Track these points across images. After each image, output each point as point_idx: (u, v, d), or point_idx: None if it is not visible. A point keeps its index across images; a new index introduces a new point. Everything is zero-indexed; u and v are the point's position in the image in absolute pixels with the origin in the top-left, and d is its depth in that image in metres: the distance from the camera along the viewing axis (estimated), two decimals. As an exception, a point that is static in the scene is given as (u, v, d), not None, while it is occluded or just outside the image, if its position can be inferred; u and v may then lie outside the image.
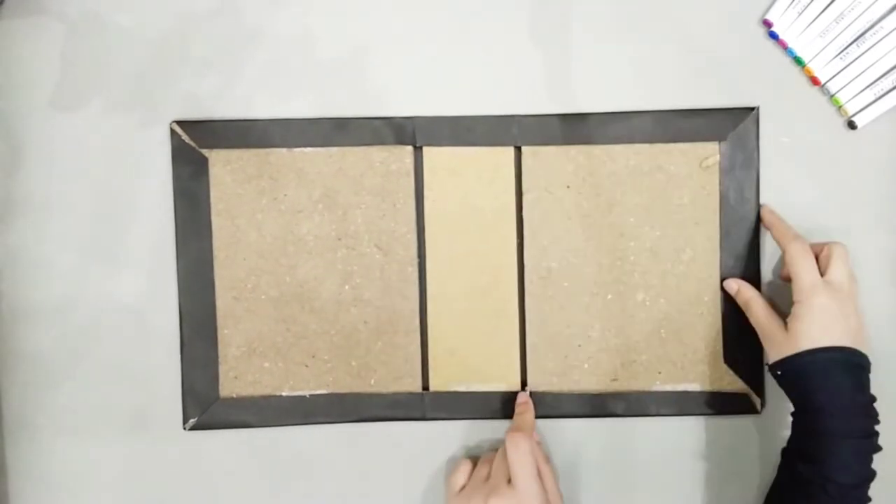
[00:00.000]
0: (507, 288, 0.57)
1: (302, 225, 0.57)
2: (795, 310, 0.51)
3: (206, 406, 0.58)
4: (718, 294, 0.57)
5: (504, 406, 0.57)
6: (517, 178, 0.57)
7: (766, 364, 0.53)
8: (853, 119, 0.56)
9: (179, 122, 0.57)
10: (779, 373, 0.52)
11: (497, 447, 0.58)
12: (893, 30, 0.55)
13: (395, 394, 0.58)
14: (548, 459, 0.56)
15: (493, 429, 0.58)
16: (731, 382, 0.57)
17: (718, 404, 0.57)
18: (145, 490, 0.58)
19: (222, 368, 0.58)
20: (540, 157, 0.57)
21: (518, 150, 0.57)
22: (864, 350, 0.51)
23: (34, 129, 0.58)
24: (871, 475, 0.49)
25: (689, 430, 0.58)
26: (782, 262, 0.56)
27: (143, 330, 0.58)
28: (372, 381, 0.58)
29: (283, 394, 0.58)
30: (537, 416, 0.57)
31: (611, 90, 0.57)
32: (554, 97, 0.57)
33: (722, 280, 0.57)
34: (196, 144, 0.57)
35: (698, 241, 0.57)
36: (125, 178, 0.58)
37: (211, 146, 0.57)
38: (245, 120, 0.57)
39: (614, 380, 0.57)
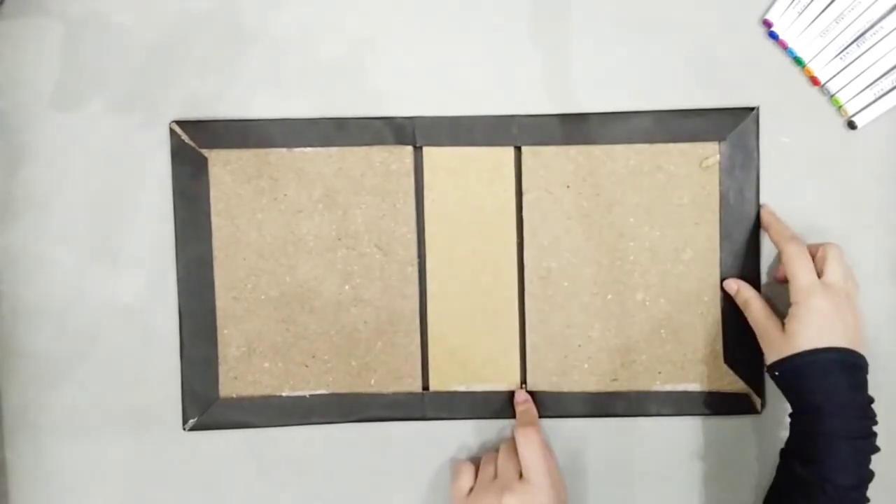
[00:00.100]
0: (507, 288, 0.57)
1: (302, 225, 0.57)
2: (793, 311, 0.51)
3: (205, 406, 0.58)
4: (718, 294, 0.57)
5: (504, 406, 0.57)
6: (517, 178, 0.57)
7: (765, 365, 0.53)
8: (853, 119, 0.56)
9: (179, 122, 0.57)
10: (776, 373, 0.52)
11: (498, 447, 0.58)
12: (893, 30, 0.55)
13: (395, 394, 0.58)
14: (553, 454, 0.56)
15: (492, 429, 0.58)
16: (732, 382, 0.57)
17: (718, 404, 0.57)
18: (145, 490, 0.58)
19: (222, 369, 0.58)
20: (540, 157, 0.57)
21: (518, 150, 0.57)
22: (861, 350, 0.51)
23: (34, 129, 0.58)
24: (870, 476, 0.49)
25: (689, 431, 0.58)
26: (778, 262, 0.56)
27: (143, 330, 0.58)
28: (372, 381, 0.58)
29: (283, 394, 0.58)
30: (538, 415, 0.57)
31: (611, 90, 0.57)
32: (554, 97, 0.57)
33: (722, 280, 0.57)
34: (196, 144, 0.57)
35: (698, 241, 0.57)
36: (125, 178, 0.58)
37: (211, 146, 0.57)
38: (245, 120, 0.57)
39: (614, 380, 0.57)
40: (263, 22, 0.57)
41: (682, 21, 0.57)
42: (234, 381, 0.58)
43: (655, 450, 0.58)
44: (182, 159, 0.57)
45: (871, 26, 0.55)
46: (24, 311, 0.58)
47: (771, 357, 0.52)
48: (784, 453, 0.52)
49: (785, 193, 0.57)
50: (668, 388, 0.57)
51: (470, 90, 0.57)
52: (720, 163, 0.56)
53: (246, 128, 0.57)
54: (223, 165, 0.57)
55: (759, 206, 0.56)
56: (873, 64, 0.55)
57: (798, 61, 0.56)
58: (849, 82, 0.56)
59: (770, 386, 0.56)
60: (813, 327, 0.50)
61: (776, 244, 0.55)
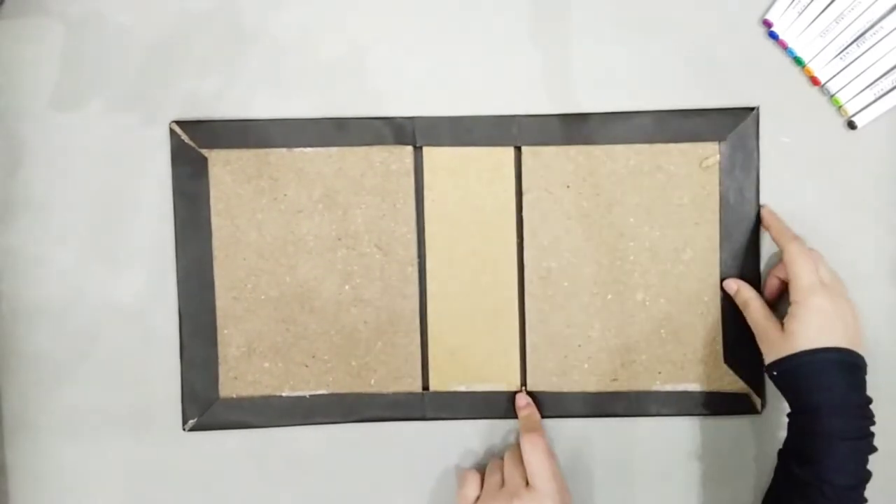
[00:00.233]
0: (507, 288, 0.57)
1: (302, 225, 0.57)
2: (793, 310, 0.51)
3: (205, 406, 0.58)
4: (718, 294, 0.57)
5: (504, 406, 0.57)
6: (517, 178, 0.57)
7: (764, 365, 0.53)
8: (853, 119, 0.56)
9: (179, 122, 0.57)
10: (775, 373, 0.51)
11: (499, 448, 0.58)
12: (893, 30, 0.55)
13: (395, 394, 0.58)
14: (556, 458, 0.56)
15: (493, 429, 0.58)
16: (732, 383, 0.57)
17: (718, 404, 0.57)
18: (145, 490, 0.58)
19: (222, 369, 0.58)
20: (540, 157, 0.57)
21: (518, 150, 0.57)
22: (861, 351, 0.51)
23: (34, 129, 0.58)
24: (868, 476, 0.49)
25: (689, 431, 0.58)
26: (779, 261, 0.56)
27: (143, 330, 0.58)
28: (372, 381, 0.58)
29: (283, 394, 0.58)
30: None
31: (611, 90, 0.57)
32: (554, 97, 0.57)
33: (722, 280, 0.57)
34: (196, 144, 0.57)
35: (698, 241, 0.57)
36: (125, 178, 0.58)
37: (211, 146, 0.57)
38: (245, 120, 0.57)
39: (614, 380, 0.57)
40: (263, 22, 0.57)
41: (682, 21, 0.57)
42: (234, 382, 0.58)
43: (655, 450, 0.58)
44: (182, 159, 0.57)
45: (871, 26, 0.55)
46: (24, 311, 0.58)
47: (770, 357, 0.52)
48: (782, 454, 0.52)
49: (785, 193, 0.57)
50: (668, 388, 0.57)
51: (470, 90, 0.57)
52: (720, 163, 0.56)
53: (246, 128, 0.57)
54: (223, 165, 0.57)
55: (759, 206, 0.56)
56: (873, 64, 0.55)
57: (798, 61, 0.56)
58: (849, 82, 0.56)
59: (770, 386, 0.56)
60: (813, 327, 0.50)
61: (778, 243, 0.55)
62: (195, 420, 0.58)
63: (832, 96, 0.56)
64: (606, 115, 0.56)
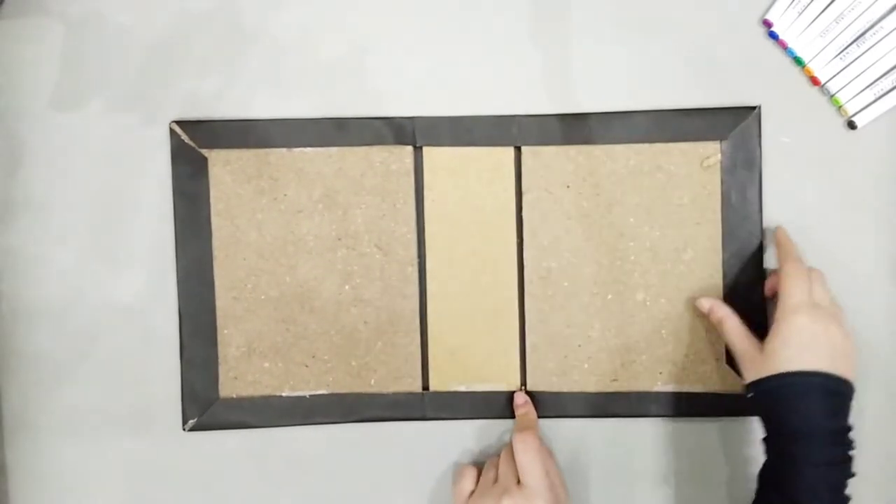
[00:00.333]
0: (507, 288, 0.57)
1: (302, 225, 0.57)
2: (774, 328, 0.50)
3: (205, 406, 0.58)
4: (720, 294, 0.57)
5: (504, 406, 0.57)
6: (517, 178, 0.57)
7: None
8: (853, 119, 0.56)
9: (179, 122, 0.57)
10: (751, 394, 0.50)
11: (499, 448, 0.58)
12: (893, 30, 0.55)
13: (395, 394, 0.58)
14: (552, 455, 0.56)
15: (493, 429, 0.58)
16: (733, 384, 0.57)
17: (719, 406, 0.57)
18: (145, 490, 0.58)
19: (222, 369, 0.58)
20: (540, 157, 0.57)
21: (518, 150, 0.57)
22: (850, 376, 0.49)
23: (34, 129, 0.58)
24: (845, 501, 0.48)
25: (690, 432, 0.58)
26: (772, 277, 0.55)
27: (143, 330, 0.58)
28: (372, 381, 0.58)
29: (283, 394, 0.58)
30: (537, 417, 0.57)
31: (611, 90, 0.57)
32: (554, 97, 0.57)
33: (724, 280, 0.56)
34: (196, 144, 0.57)
35: (698, 241, 0.57)
36: (125, 178, 0.58)
37: (211, 146, 0.57)
38: (245, 120, 0.57)
39: (614, 380, 0.57)
40: (263, 22, 0.57)
41: (682, 21, 0.57)
42: (234, 382, 0.58)
43: (655, 450, 0.58)
44: (182, 159, 0.57)
45: (871, 26, 0.55)
46: (24, 311, 0.58)
47: (748, 377, 0.51)
48: (760, 477, 0.51)
49: (785, 193, 0.57)
50: (669, 388, 0.57)
51: (470, 90, 0.57)
52: (721, 162, 0.56)
53: (246, 128, 0.57)
54: (223, 165, 0.57)
55: (761, 206, 0.56)
56: (873, 64, 0.55)
57: (798, 61, 0.56)
58: (849, 82, 0.56)
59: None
60: (792, 347, 0.49)
61: (778, 261, 0.54)
62: (195, 420, 0.58)
63: (832, 96, 0.56)
64: (606, 115, 0.56)
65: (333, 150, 0.57)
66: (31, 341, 0.58)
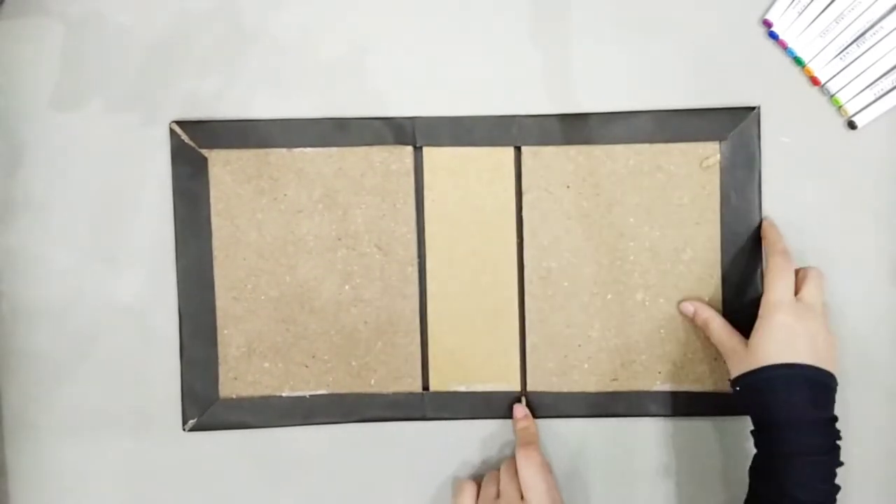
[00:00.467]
0: (507, 288, 0.57)
1: (302, 225, 0.57)
2: (757, 324, 0.51)
3: (205, 407, 0.58)
4: (719, 294, 0.57)
5: (504, 406, 0.57)
6: (517, 178, 0.57)
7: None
8: (853, 119, 0.56)
9: (179, 122, 0.57)
10: (738, 388, 0.51)
11: (499, 448, 0.58)
12: (893, 30, 0.55)
13: (395, 394, 0.58)
14: (552, 470, 0.56)
15: (492, 429, 0.58)
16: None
17: (719, 405, 0.57)
18: (145, 491, 0.58)
19: (222, 369, 0.58)
20: (540, 157, 0.57)
21: (518, 150, 0.57)
22: (832, 369, 0.50)
23: (34, 129, 0.58)
24: (835, 490, 0.48)
25: (690, 431, 0.58)
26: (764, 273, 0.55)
27: (143, 330, 0.58)
28: (372, 381, 0.58)
29: (283, 394, 0.58)
30: (537, 417, 0.57)
31: (611, 90, 0.57)
32: (554, 97, 0.57)
33: (723, 280, 0.56)
34: (196, 144, 0.57)
35: (698, 241, 0.57)
36: (125, 178, 0.58)
37: (211, 146, 0.57)
38: (245, 120, 0.57)
39: (614, 380, 0.57)
40: (263, 22, 0.57)
41: (682, 21, 0.57)
42: (233, 382, 0.58)
43: (655, 450, 0.58)
44: (182, 159, 0.57)
45: (871, 26, 0.55)
46: (24, 311, 0.58)
47: (734, 372, 0.52)
48: (750, 472, 0.51)
49: (785, 193, 0.57)
50: (669, 388, 0.57)
51: (470, 90, 0.57)
52: (721, 162, 0.56)
53: (246, 128, 0.57)
54: (223, 165, 0.57)
55: (760, 206, 0.56)
56: (873, 64, 0.55)
57: (798, 61, 0.56)
58: (849, 82, 0.56)
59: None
60: (773, 343, 0.50)
61: (766, 255, 0.54)
62: (195, 420, 0.58)
63: (832, 96, 0.56)
64: (606, 115, 0.56)
65: (333, 150, 0.57)
66: (31, 341, 0.58)
